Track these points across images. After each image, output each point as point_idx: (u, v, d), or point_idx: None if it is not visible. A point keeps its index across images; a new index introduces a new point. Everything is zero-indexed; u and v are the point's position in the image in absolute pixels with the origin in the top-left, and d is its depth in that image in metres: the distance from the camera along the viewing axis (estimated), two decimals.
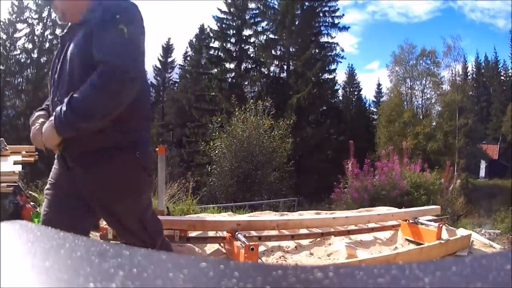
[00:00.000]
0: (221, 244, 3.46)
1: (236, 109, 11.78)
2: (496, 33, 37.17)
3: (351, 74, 31.66)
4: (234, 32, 25.98)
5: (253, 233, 3.50)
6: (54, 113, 1.41)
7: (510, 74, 29.40)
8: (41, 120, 1.53)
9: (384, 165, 7.53)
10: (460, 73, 26.51)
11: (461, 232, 4.29)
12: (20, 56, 22.58)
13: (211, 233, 3.50)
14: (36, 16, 22.79)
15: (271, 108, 11.83)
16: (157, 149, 3.74)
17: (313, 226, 3.76)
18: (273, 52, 25.69)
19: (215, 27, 26.16)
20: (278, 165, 11.72)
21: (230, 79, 25.88)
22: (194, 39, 29.50)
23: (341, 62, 26.39)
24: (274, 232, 3.64)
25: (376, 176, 7.44)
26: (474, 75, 30.55)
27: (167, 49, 31.41)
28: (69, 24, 1.57)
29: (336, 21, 25.57)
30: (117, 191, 1.53)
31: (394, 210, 4.71)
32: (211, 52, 26.49)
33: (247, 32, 26.05)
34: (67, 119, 1.35)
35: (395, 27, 40.98)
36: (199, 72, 26.88)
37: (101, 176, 1.50)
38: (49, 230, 0.41)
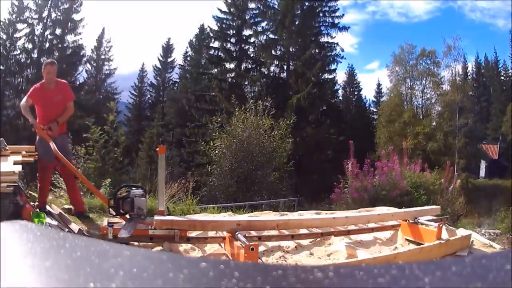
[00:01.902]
0: (221, 244, 3.46)
1: (236, 109, 11.77)
2: (496, 33, 37.18)
3: (351, 74, 31.65)
4: (234, 32, 25.95)
5: (253, 233, 3.50)
6: None
7: (510, 74, 29.39)
8: None
9: (384, 165, 7.53)
10: (460, 73, 26.50)
11: (461, 232, 4.29)
12: (20, 56, 22.57)
13: (211, 233, 3.50)
14: (36, 16, 22.78)
15: (271, 108, 11.82)
16: (157, 149, 3.73)
17: (313, 226, 3.77)
18: (273, 52, 25.65)
19: (215, 27, 26.17)
20: (278, 165, 11.70)
21: (230, 79, 25.86)
22: (194, 39, 29.53)
23: (341, 62, 26.39)
24: (274, 232, 3.64)
25: (376, 176, 7.44)
26: (474, 75, 30.53)
27: (167, 49, 31.40)
28: None
29: (336, 21, 25.56)
30: None
31: (394, 210, 4.71)
32: (211, 52, 26.47)
33: (247, 32, 26.05)
34: None
35: (395, 27, 40.99)
36: (199, 72, 26.86)
37: None
38: (49, 230, 0.41)
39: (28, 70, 22.40)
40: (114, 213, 3.46)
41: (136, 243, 3.28)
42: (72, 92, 4.39)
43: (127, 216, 3.40)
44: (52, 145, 3.79)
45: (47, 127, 4.01)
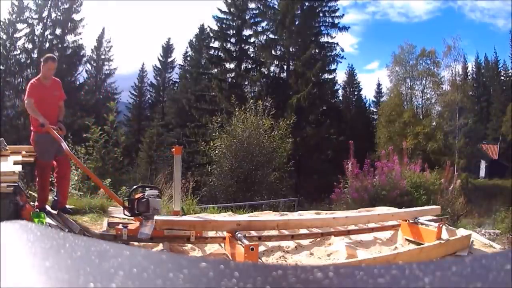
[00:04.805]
0: (221, 244, 3.46)
1: (236, 109, 11.76)
2: (496, 33, 37.18)
3: (351, 74, 31.65)
4: (234, 32, 25.94)
5: (253, 233, 3.50)
6: None
7: (510, 74, 29.37)
8: None
9: (384, 165, 7.52)
10: (460, 73, 26.48)
11: (461, 232, 4.29)
12: (20, 56, 22.55)
13: (211, 233, 3.50)
14: (36, 16, 22.77)
15: (271, 108, 11.81)
16: (173, 149, 3.69)
17: (313, 226, 3.76)
18: (273, 52, 25.64)
19: (215, 27, 26.15)
20: (278, 165, 11.70)
21: (230, 79, 25.84)
22: (194, 39, 29.52)
23: (341, 62, 26.37)
24: (274, 232, 3.64)
25: (376, 176, 7.43)
26: (474, 75, 30.52)
27: (167, 49, 31.40)
28: None
29: (336, 21, 25.55)
30: None
31: (394, 210, 4.71)
32: (211, 52, 26.46)
33: (247, 32, 26.03)
34: None
35: (395, 27, 41.01)
36: (199, 72, 26.85)
37: None
38: (49, 230, 0.41)
39: (28, 70, 22.37)
40: (129, 214, 3.45)
41: (136, 243, 3.28)
42: (63, 92, 4.45)
43: (140, 217, 3.39)
44: (64, 145, 3.79)
45: (57, 127, 4.02)
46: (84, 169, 4.37)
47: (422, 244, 3.68)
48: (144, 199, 3.35)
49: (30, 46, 22.63)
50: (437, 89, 26.02)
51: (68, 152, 3.83)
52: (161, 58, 31.30)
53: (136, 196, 3.42)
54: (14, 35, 22.43)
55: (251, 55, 26.21)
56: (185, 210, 5.25)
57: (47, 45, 22.89)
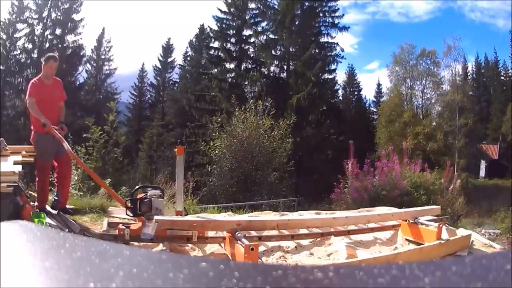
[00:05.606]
0: (221, 244, 3.46)
1: (236, 109, 11.75)
2: (496, 33, 37.21)
3: (351, 74, 31.65)
4: (234, 32, 25.95)
5: (253, 233, 3.50)
6: None
7: (510, 74, 29.37)
8: None
9: (384, 165, 7.52)
10: (460, 73, 26.51)
11: (461, 232, 4.29)
12: (20, 56, 22.57)
13: (211, 233, 3.50)
14: (36, 16, 22.79)
15: (271, 108, 11.80)
16: (175, 149, 3.67)
17: (313, 226, 3.76)
18: (273, 52, 25.64)
19: (215, 27, 26.17)
20: (278, 165, 11.69)
21: (230, 79, 25.85)
22: (194, 39, 29.54)
23: (341, 62, 26.38)
24: (274, 232, 3.64)
25: (376, 176, 7.43)
26: (474, 75, 30.51)
27: (167, 49, 31.40)
28: None
29: (336, 21, 25.56)
30: None
31: (394, 210, 4.71)
32: (211, 52, 26.47)
33: (247, 32, 26.04)
34: None
35: (395, 27, 40.95)
36: (199, 72, 26.86)
37: None
38: (49, 230, 0.41)
39: (28, 70, 22.38)
40: (131, 214, 3.44)
41: (136, 243, 3.28)
42: (64, 92, 4.42)
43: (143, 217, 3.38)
44: (66, 145, 3.79)
45: (59, 127, 4.01)
46: (86, 169, 4.37)
47: (422, 244, 3.67)
48: (147, 199, 3.34)
49: (30, 46, 22.66)
50: (437, 89, 26.06)
51: (70, 152, 3.83)
52: (161, 58, 31.33)
53: (139, 196, 3.42)
54: (14, 35, 22.44)
55: (251, 55, 26.22)
56: (186, 210, 5.26)
57: (47, 45, 22.91)
